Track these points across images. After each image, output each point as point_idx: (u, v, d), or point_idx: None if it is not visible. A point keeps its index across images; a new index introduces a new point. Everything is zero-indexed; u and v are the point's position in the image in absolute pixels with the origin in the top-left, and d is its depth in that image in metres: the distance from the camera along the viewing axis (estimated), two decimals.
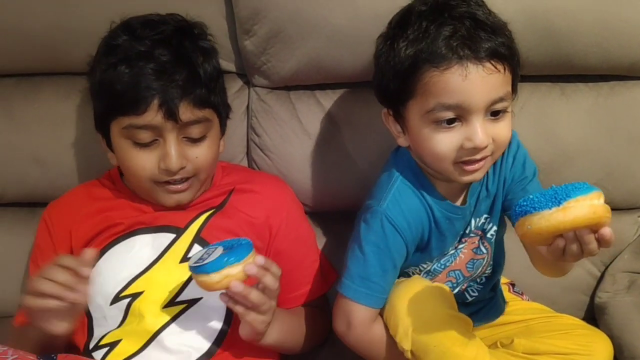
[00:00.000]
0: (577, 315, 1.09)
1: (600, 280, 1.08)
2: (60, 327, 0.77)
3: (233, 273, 0.75)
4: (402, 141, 0.82)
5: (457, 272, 0.91)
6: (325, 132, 1.02)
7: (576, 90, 1.03)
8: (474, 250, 0.90)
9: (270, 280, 0.79)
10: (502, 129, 0.76)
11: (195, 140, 0.86)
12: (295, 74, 1.00)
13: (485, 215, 0.88)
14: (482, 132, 0.74)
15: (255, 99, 1.04)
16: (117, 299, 0.85)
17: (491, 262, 0.92)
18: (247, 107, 1.05)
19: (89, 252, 0.77)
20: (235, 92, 1.04)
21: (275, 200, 0.95)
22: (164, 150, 0.84)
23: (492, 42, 0.73)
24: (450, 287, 0.91)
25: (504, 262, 0.95)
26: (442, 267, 0.90)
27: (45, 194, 1.04)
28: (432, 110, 0.75)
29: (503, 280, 1.01)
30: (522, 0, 0.93)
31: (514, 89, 0.79)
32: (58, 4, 0.98)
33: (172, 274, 0.86)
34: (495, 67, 0.73)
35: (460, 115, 0.75)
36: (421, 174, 0.84)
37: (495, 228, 0.89)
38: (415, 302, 0.80)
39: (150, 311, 0.84)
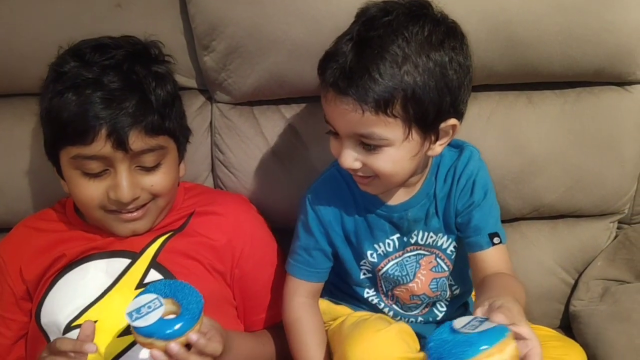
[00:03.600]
0: (553, 324, 1.09)
1: (574, 288, 1.08)
2: None
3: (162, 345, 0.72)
4: None
5: (421, 296, 0.91)
6: (290, 148, 1.01)
7: (543, 98, 1.02)
8: (433, 269, 0.90)
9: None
10: (374, 161, 0.77)
11: (149, 169, 0.83)
12: (257, 89, 0.98)
13: (439, 234, 0.88)
14: (345, 153, 0.77)
15: (218, 115, 1.02)
16: (68, 328, 0.83)
17: (453, 282, 0.92)
18: (210, 123, 1.03)
19: (88, 326, 0.75)
20: (197, 108, 1.02)
21: (237, 222, 0.93)
22: (115, 181, 0.81)
23: (355, 82, 0.73)
24: (417, 307, 0.91)
25: (469, 277, 0.93)
26: (393, 281, 0.90)
27: (2, 219, 1.01)
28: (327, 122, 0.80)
29: (475, 293, 1.00)
30: (484, 11, 0.92)
31: (423, 132, 0.77)
32: (6, 24, 0.95)
33: (127, 301, 0.82)
34: (345, 105, 0.74)
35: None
36: None
37: (454, 244, 0.89)
38: (368, 353, 0.78)
39: (104, 341, 0.82)
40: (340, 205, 0.87)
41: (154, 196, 0.85)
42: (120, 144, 0.79)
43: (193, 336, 0.72)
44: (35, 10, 0.95)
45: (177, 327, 0.72)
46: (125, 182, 0.81)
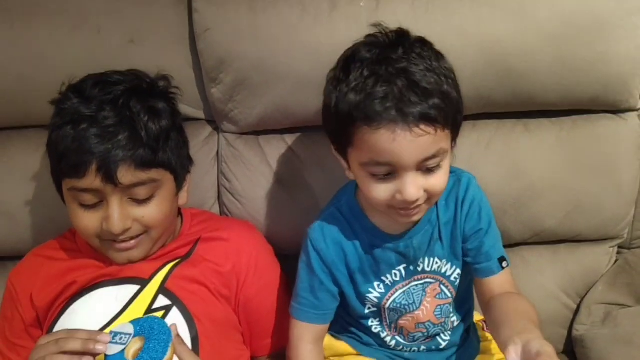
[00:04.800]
0: (557, 349, 1.09)
1: (576, 312, 1.09)
2: None
3: None
4: (349, 174, 0.84)
5: (426, 323, 0.92)
6: (295, 176, 1.03)
7: (539, 126, 1.05)
8: (437, 296, 0.91)
9: None
10: (436, 181, 0.77)
11: (141, 201, 0.85)
12: (262, 120, 1.01)
13: (443, 260, 0.89)
14: (412, 187, 0.75)
15: (225, 145, 1.05)
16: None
17: (455, 309, 0.93)
18: (217, 152, 1.05)
19: (105, 337, 0.76)
20: (204, 138, 1.05)
21: (243, 247, 0.94)
22: (107, 213, 0.83)
23: (423, 105, 0.73)
24: (421, 336, 0.92)
25: (473, 304, 0.95)
26: (399, 310, 0.90)
27: (14, 247, 1.04)
28: (367, 164, 0.77)
29: (477, 317, 1.01)
30: (480, 44, 0.95)
31: (455, 135, 0.80)
32: (24, 58, 0.99)
33: None
34: (424, 131, 0.73)
35: (392, 170, 0.76)
36: (356, 206, 0.88)
37: (458, 271, 0.90)
38: None
39: None
40: (344, 244, 0.87)
41: (147, 227, 0.86)
42: (109, 178, 0.81)
43: None
44: (51, 43, 0.99)
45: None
46: (116, 214, 0.83)
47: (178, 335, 0.80)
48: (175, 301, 0.88)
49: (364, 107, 0.73)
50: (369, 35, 0.80)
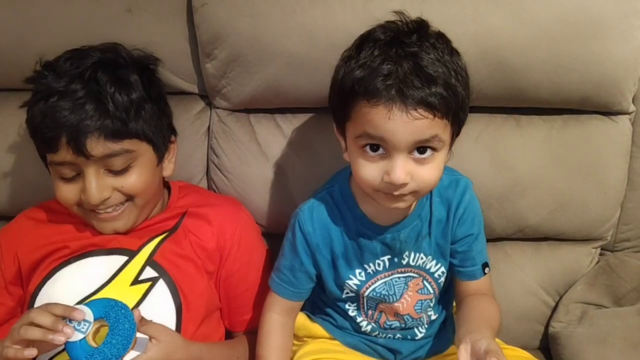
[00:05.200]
0: (532, 344, 1.10)
1: (554, 310, 1.09)
2: None
3: None
4: (346, 156, 0.84)
5: (405, 316, 0.93)
6: (283, 156, 1.04)
7: (530, 122, 1.05)
8: (419, 291, 0.92)
9: None
10: (425, 172, 0.77)
11: (118, 172, 0.86)
12: (254, 98, 1.02)
13: (429, 256, 0.90)
14: (400, 169, 0.75)
15: (216, 121, 1.06)
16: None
17: (435, 306, 0.94)
18: (208, 128, 1.06)
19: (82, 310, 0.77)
20: (197, 112, 1.06)
21: (227, 224, 0.95)
22: (84, 184, 0.85)
23: (424, 91, 0.72)
24: (398, 326, 0.93)
25: (452, 299, 0.96)
26: (378, 299, 0.91)
27: (5, 207, 1.05)
28: (360, 136, 0.77)
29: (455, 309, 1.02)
30: (475, 35, 0.95)
31: (456, 132, 0.80)
32: (23, 21, 1.00)
33: (122, 296, 0.85)
34: (422, 115, 0.73)
35: (385, 148, 0.76)
36: (348, 192, 0.88)
37: (443, 269, 0.91)
38: None
39: None
40: (331, 229, 0.88)
41: (129, 196, 0.87)
42: (79, 150, 0.82)
43: None
44: (51, 8, 1.00)
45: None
46: (93, 185, 0.84)
47: (142, 319, 0.80)
48: (163, 274, 0.89)
49: (366, 82, 0.74)
50: (389, 21, 0.80)
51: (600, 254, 1.13)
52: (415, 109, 0.73)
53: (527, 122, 1.05)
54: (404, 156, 0.75)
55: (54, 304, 0.79)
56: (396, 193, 0.77)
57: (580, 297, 1.08)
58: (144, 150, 0.88)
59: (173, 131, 0.96)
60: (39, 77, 0.86)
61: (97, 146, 0.83)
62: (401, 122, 0.73)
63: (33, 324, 0.76)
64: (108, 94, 0.84)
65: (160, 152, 0.92)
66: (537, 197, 1.04)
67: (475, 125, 1.04)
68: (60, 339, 0.75)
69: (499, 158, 1.04)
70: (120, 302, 0.79)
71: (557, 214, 1.06)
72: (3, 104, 1.07)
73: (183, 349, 0.83)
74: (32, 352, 0.76)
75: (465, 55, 0.94)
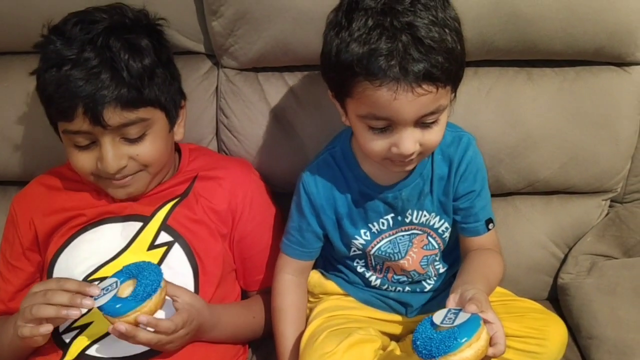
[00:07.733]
0: (541, 296, 1.12)
1: (563, 262, 1.11)
2: (44, 341, 0.81)
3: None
4: (345, 121, 0.84)
5: (412, 272, 0.94)
6: (292, 114, 1.03)
7: (542, 75, 1.03)
8: (424, 247, 0.93)
9: (144, 338, 0.78)
10: (431, 135, 0.78)
11: (133, 140, 0.85)
12: (262, 56, 1.00)
13: (432, 213, 0.90)
14: (408, 141, 0.77)
15: (224, 80, 1.05)
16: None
17: (442, 260, 0.95)
18: (216, 88, 1.05)
19: (94, 289, 0.78)
20: (204, 73, 1.05)
21: (238, 186, 0.96)
22: (100, 153, 0.84)
23: (425, 62, 0.72)
24: (406, 280, 0.95)
25: (458, 255, 0.96)
26: (384, 257, 0.92)
27: (15, 172, 1.05)
28: (365, 116, 0.77)
29: None
30: None
31: (455, 90, 0.80)
32: None
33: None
34: (426, 90, 0.73)
35: (390, 124, 0.77)
36: (350, 153, 0.89)
37: (447, 225, 0.92)
38: None
39: None
40: (334, 190, 0.89)
41: (143, 165, 0.87)
42: (97, 120, 0.81)
43: (142, 318, 0.77)
44: None
45: (118, 306, 0.77)
46: (110, 154, 0.84)
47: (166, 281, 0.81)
48: (177, 237, 0.90)
49: (367, 63, 0.73)
50: None
51: (610, 206, 1.14)
52: (420, 85, 0.73)
53: (539, 75, 1.04)
54: (411, 128, 0.76)
55: (66, 279, 0.80)
56: (407, 160, 0.79)
57: (589, 248, 1.09)
58: (158, 118, 0.88)
59: (183, 95, 0.95)
60: (48, 43, 0.84)
61: (114, 116, 0.82)
62: (406, 101, 0.73)
63: (47, 304, 0.77)
64: (122, 61, 0.82)
65: (173, 118, 0.91)
66: (548, 150, 1.04)
67: (487, 80, 1.03)
68: (74, 312, 0.77)
69: (511, 112, 1.03)
70: (146, 261, 0.81)
71: (568, 168, 1.06)
72: (8, 68, 1.06)
73: (205, 310, 0.85)
74: (49, 327, 0.78)
75: (478, 7, 0.93)
